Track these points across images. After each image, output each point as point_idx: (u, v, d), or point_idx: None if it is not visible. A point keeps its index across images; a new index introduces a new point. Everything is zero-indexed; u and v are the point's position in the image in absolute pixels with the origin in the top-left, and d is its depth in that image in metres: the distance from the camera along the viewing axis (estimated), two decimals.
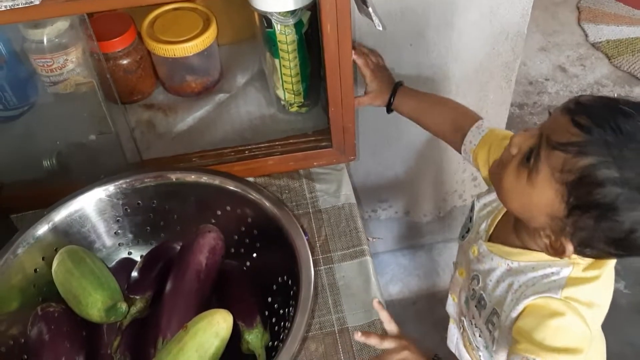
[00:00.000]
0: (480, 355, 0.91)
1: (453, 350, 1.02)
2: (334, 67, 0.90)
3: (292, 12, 0.93)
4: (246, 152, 1.04)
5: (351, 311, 0.89)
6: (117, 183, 0.88)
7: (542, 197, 0.70)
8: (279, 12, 0.92)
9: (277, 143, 1.04)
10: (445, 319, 1.02)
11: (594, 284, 0.76)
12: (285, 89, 1.05)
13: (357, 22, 1.03)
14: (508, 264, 0.81)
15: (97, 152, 0.99)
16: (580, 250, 0.71)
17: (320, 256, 0.94)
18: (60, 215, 0.86)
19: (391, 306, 1.66)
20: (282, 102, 1.08)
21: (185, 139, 1.08)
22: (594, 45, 2.35)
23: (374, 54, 1.05)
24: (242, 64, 1.18)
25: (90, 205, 0.88)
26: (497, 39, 1.15)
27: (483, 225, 0.88)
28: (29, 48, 0.98)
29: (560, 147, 0.66)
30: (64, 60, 0.99)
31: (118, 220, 0.90)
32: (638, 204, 0.65)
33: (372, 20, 0.84)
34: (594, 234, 0.68)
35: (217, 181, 0.88)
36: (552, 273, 0.76)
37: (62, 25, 0.92)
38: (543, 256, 0.76)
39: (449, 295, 0.98)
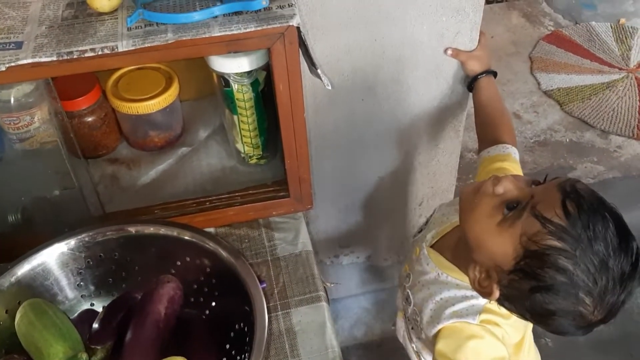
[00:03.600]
0: (414, 347, 0.97)
1: (401, 341, 1.07)
2: (288, 123, 0.96)
3: (248, 73, 0.99)
4: (207, 203, 1.08)
5: (307, 355, 0.92)
6: (79, 237, 0.92)
7: (501, 246, 0.75)
8: (236, 73, 0.98)
9: (237, 194, 1.09)
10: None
11: (507, 320, 0.83)
12: (244, 142, 1.10)
13: (314, 80, 1.10)
14: (438, 273, 0.89)
15: (61, 206, 1.03)
16: (500, 301, 0.78)
17: (278, 302, 0.98)
18: (24, 269, 0.88)
19: (357, 349, 1.69)
20: (242, 155, 1.14)
21: (148, 191, 1.12)
22: (546, 93, 2.47)
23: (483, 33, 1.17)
24: (204, 118, 1.24)
25: (53, 258, 0.91)
26: (444, 93, 1.23)
27: (432, 232, 0.96)
28: None
29: (542, 219, 0.71)
30: (29, 118, 1.03)
31: (80, 273, 0.93)
32: (571, 300, 0.72)
33: (322, 80, 0.91)
34: (522, 299, 0.75)
35: (175, 233, 0.92)
36: (472, 296, 0.83)
37: (27, 87, 0.96)
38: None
39: (398, 289, 1.05)
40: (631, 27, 2.73)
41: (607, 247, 0.70)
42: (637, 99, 2.40)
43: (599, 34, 2.71)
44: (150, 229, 0.92)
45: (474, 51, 1.16)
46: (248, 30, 0.82)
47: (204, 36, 0.81)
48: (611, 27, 2.74)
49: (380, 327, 1.71)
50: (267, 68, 1.00)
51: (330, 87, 0.92)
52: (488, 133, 1.09)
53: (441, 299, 0.88)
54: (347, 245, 1.51)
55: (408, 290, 0.95)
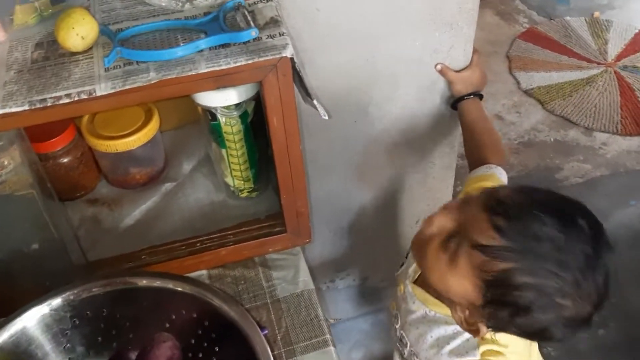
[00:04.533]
0: None
1: None
2: (283, 157, 0.89)
3: (237, 105, 0.92)
4: (197, 244, 1.01)
5: None
6: (62, 295, 0.84)
7: (461, 285, 0.73)
8: (223, 106, 0.91)
9: (229, 232, 1.02)
10: None
11: (507, 348, 0.80)
12: (234, 176, 1.03)
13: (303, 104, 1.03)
14: (425, 311, 0.85)
15: (40, 258, 0.94)
16: (494, 331, 0.75)
17: (282, 349, 0.91)
18: (3, 337, 0.80)
19: None
20: (232, 189, 1.07)
21: (134, 233, 1.04)
22: (526, 92, 2.45)
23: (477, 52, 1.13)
24: (187, 149, 1.16)
25: (34, 322, 0.82)
26: (438, 109, 1.17)
27: (413, 266, 0.91)
28: None
29: (480, 248, 0.69)
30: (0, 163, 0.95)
31: (66, 334, 0.85)
32: (551, 308, 0.68)
33: (317, 110, 0.84)
34: (508, 325, 0.72)
35: (169, 285, 0.85)
36: (463, 331, 0.79)
37: None
38: None
39: (390, 327, 1.01)
40: (606, 21, 2.72)
41: (554, 242, 0.67)
42: (618, 93, 2.39)
43: (575, 29, 2.70)
44: (143, 281, 0.85)
45: (463, 71, 1.11)
46: (238, 64, 0.75)
47: (190, 73, 0.74)
48: (586, 21, 2.73)
49: (379, 349, 1.65)
50: (257, 97, 0.93)
51: (326, 117, 0.86)
52: (474, 154, 1.05)
53: (432, 337, 0.84)
54: (343, 268, 1.45)
55: (401, 332, 0.90)
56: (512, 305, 0.69)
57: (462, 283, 0.72)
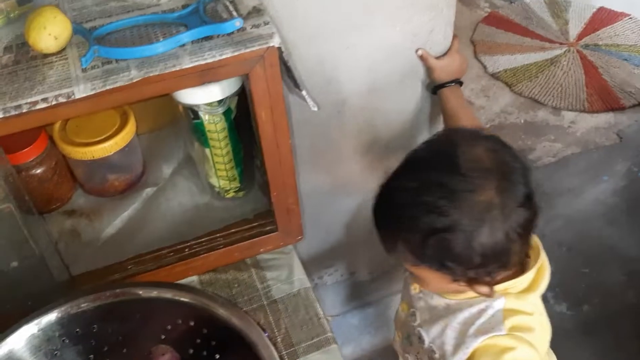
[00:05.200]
0: None
1: None
2: (273, 152, 0.86)
3: (220, 101, 0.88)
4: (186, 250, 0.96)
5: None
6: (49, 314, 0.79)
7: (429, 277, 0.79)
8: (206, 103, 0.87)
9: (218, 235, 0.98)
10: None
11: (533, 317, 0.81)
12: (219, 176, 0.99)
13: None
14: (446, 302, 0.85)
15: (20, 277, 0.89)
16: (488, 283, 0.77)
17: (284, 352, 0.88)
18: None
19: None
20: (216, 189, 1.03)
21: (116, 243, 1.00)
22: (493, 75, 2.45)
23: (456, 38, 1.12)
24: (165, 152, 1.11)
25: (22, 344, 0.78)
26: (421, 96, 1.15)
27: None
28: None
29: (387, 250, 0.81)
30: None
31: (56, 355, 0.80)
32: (475, 225, 0.71)
33: (306, 101, 0.81)
34: (487, 267, 0.74)
35: (160, 294, 0.81)
36: (487, 307, 0.81)
37: None
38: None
39: (395, 331, 0.99)
40: (564, 1, 2.75)
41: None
42: (582, 72, 2.42)
43: (534, 11, 2.72)
44: (136, 293, 0.80)
45: (443, 58, 1.10)
46: (224, 56, 0.71)
47: (173, 69, 0.70)
48: (545, 2, 2.76)
49: (369, 342, 1.63)
50: (240, 93, 0.89)
51: (316, 109, 0.83)
52: None
53: (458, 323, 0.83)
54: (331, 264, 1.43)
55: (419, 329, 0.88)
56: (459, 251, 0.72)
57: (428, 274, 0.78)
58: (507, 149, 0.76)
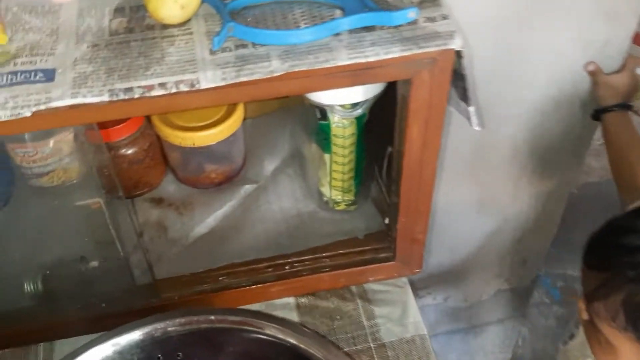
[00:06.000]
0: None
1: None
2: (413, 174, 0.70)
3: (355, 104, 0.72)
4: (286, 267, 0.82)
5: None
6: (130, 333, 0.66)
7: (625, 352, 0.63)
8: (340, 104, 0.71)
9: (324, 255, 0.83)
10: None
11: None
12: (333, 186, 0.84)
13: None
14: None
15: (97, 275, 0.77)
16: None
17: None
18: None
19: None
20: (325, 199, 0.88)
21: (207, 245, 0.86)
22: None
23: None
24: (269, 143, 0.97)
25: None
26: (576, 115, 0.97)
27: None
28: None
29: (593, 297, 0.62)
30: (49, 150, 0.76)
31: None
32: None
33: (470, 119, 0.65)
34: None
35: (264, 329, 0.67)
36: None
37: None
38: None
39: None
40: None
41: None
42: None
43: None
44: (236, 321, 0.66)
45: (613, 76, 0.91)
46: (390, 55, 0.55)
47: (326, 65, 0.55)
48: None
49: None
50: (381, 95, 0.73)
51: (479, 128, 0.66)
52: (625, 179, 0.87)
53: None
54: (425, 286, 1.27)
55: None
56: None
57: (623, 348, 0.62)
58: None
